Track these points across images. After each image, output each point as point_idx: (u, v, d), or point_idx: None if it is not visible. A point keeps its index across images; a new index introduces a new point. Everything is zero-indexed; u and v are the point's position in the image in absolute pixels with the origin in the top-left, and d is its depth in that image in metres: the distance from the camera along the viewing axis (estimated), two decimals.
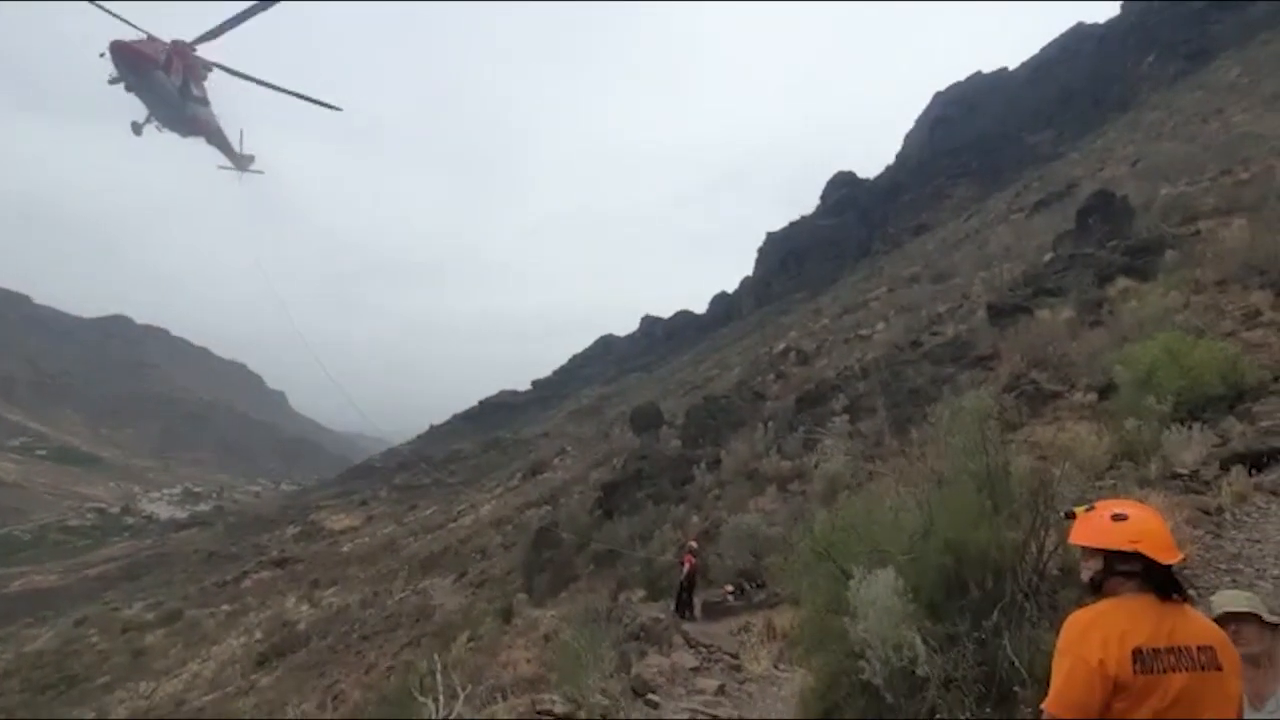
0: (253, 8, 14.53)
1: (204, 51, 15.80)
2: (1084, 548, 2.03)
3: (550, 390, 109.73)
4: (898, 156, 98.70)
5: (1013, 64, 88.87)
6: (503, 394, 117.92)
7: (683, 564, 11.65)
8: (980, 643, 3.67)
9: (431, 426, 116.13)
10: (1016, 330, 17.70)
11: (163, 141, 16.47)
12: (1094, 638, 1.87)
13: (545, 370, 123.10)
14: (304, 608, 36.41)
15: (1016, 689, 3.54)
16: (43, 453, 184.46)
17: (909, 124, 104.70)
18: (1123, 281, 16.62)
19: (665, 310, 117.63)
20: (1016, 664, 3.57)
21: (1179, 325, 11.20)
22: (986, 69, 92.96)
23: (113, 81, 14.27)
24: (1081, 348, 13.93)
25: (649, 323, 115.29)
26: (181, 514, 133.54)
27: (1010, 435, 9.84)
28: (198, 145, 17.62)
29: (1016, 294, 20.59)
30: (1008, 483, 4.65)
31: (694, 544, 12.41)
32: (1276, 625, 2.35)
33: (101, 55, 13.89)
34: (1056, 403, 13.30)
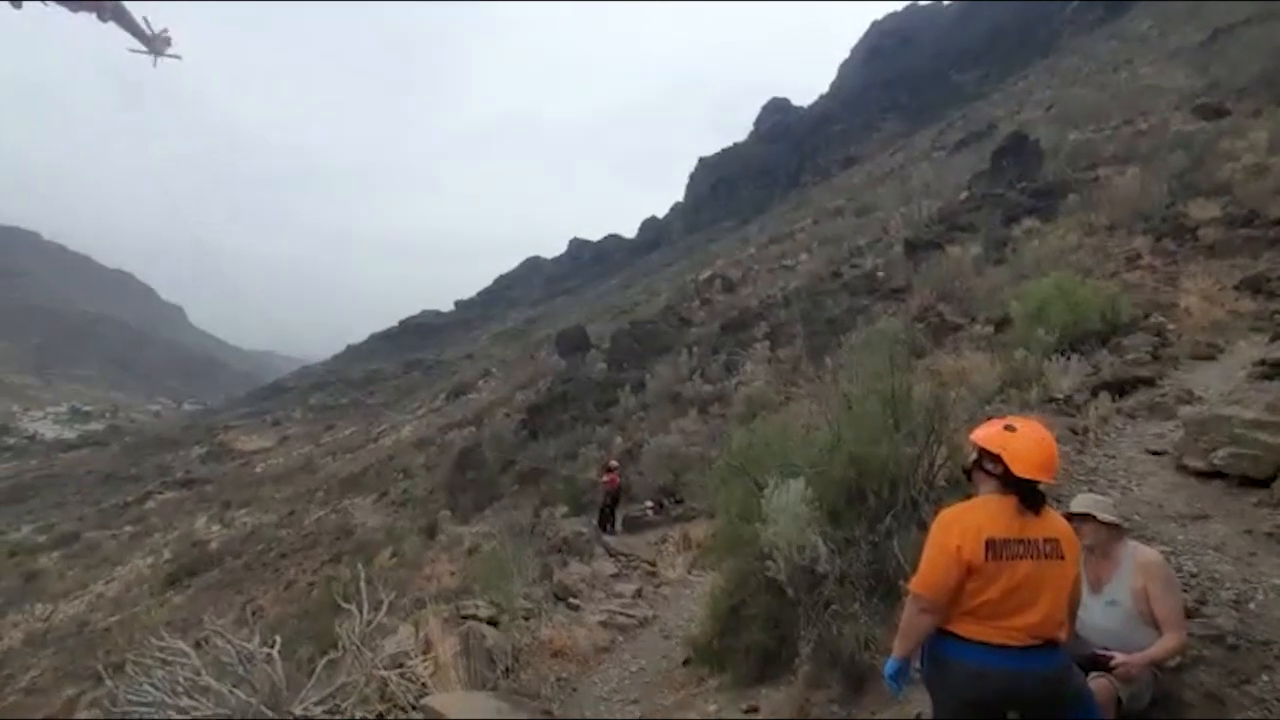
0: None
1: None
2: (973, 440, 2.35)
3: (474, 311, 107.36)
4: (832, 85, 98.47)
5: None
6: (425, 314, 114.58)
7: (606, 481, 12.05)
8: (873, 545, 4.06)
9: (349, 346, 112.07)
10: (929, 265, 18.57)
11: (43, 16, 14.29)
12: (955, 529, 2.18)
13: (469, 291, 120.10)
14: (215, 528, 35.46)
15: (901, 582, 3.96)
16: None
17: (847, 52, 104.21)
18: (1028, 222, 17.59)
19: (594, 233, 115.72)
20: (902, 562, 3.99)
21: (1071, 265, 12.07)
22: (923, 1, 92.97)
23: None
24: (984, 283, 14.81)
25: (577, 245, 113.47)
26: (70, 434, 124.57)
27: (916, 362, 10.54)
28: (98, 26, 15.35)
29: (931, 230, 21.47)
30: (909, 403, 5.01)
31: (614, 462, 12.83)
32: (1111, 524, 2.77)
33: None
34: (958, 334, 14.22)
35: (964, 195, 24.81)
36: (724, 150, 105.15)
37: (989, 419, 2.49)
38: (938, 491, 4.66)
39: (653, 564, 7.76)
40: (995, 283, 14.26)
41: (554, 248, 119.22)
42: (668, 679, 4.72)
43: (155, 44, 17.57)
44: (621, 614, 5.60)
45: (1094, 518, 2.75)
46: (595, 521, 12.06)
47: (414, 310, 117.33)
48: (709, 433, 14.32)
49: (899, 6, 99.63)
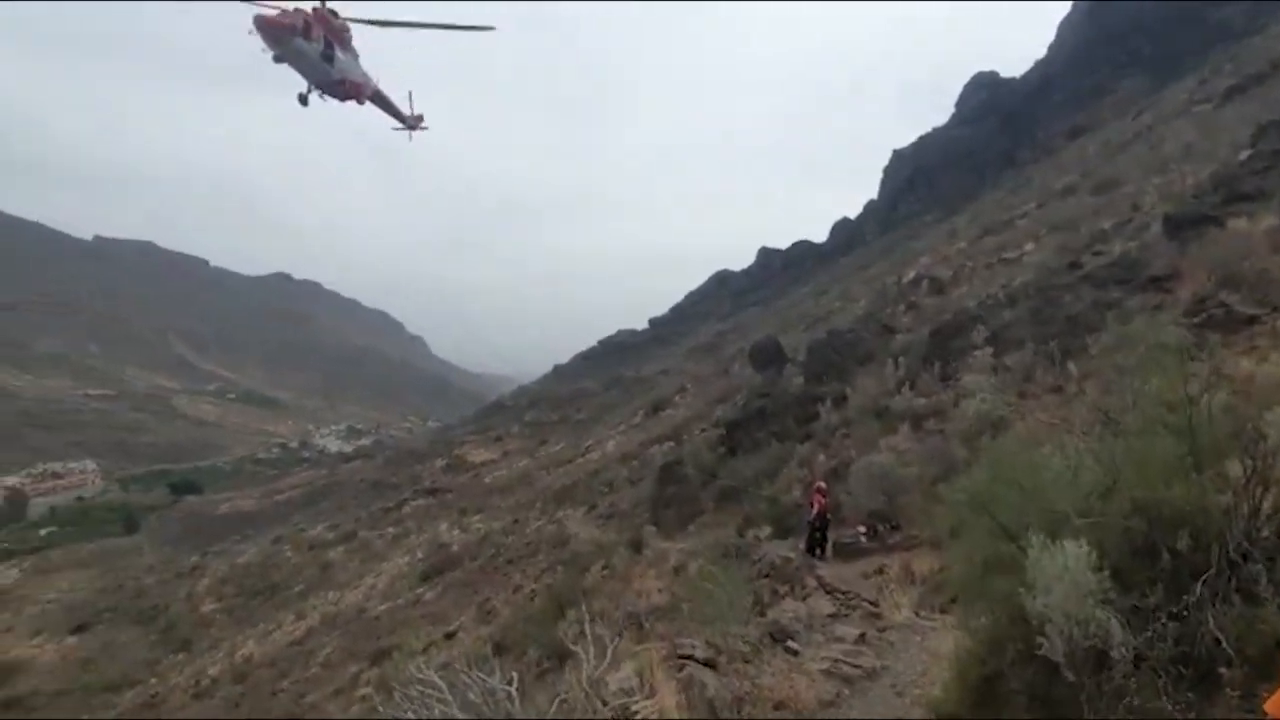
0: None
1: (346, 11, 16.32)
2: None
3: (668, 328, 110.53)
4: (1050, 48, 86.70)
5: None
6: (621, 333, 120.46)
7: (812, 504, 11.45)
8: (1178, 618, 3.26)
9: (556, 367, 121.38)
10: (1201, 245, 15.33)
11: (325, 110, 17.58)
12: None
13: (662, 308, 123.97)
14: (455, 532, 40.16)
15: (1222, 670, 3.13)
16: (233, 396, 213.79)
17: (1064, 8, 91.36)
18: None
19: (782, 241, 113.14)
20: (1223, 643, 3.16)
21: None
22: None
23: (268, 53, 15.18)
24: None
25: (766, 255, 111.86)
26: (347, 447, 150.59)
27: (1195, 367, 8.63)
28: (363, 110, 18.62)
29: (1202, 202, 17.73)
30: (1211, 431, 4.03)
31: (823, 483, 12.14)
32: None
33: (250, 32, 14.81)
34: (1253, 328, 11.53)
35: (1245, 154, 20.14)
36: (920, 138, 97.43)
37: None
38: (1265, 549, 3.65)
39: (875, 603, 7.13)
40: None
41: (743, 259, 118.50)
42: None
43: (411, 121, 20.75)
44: (846, 662, 5.17)
45: None
46: (803, 546, 11.51)
47: (612, 329, 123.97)
48: (925, 451, 13.03)
49: None
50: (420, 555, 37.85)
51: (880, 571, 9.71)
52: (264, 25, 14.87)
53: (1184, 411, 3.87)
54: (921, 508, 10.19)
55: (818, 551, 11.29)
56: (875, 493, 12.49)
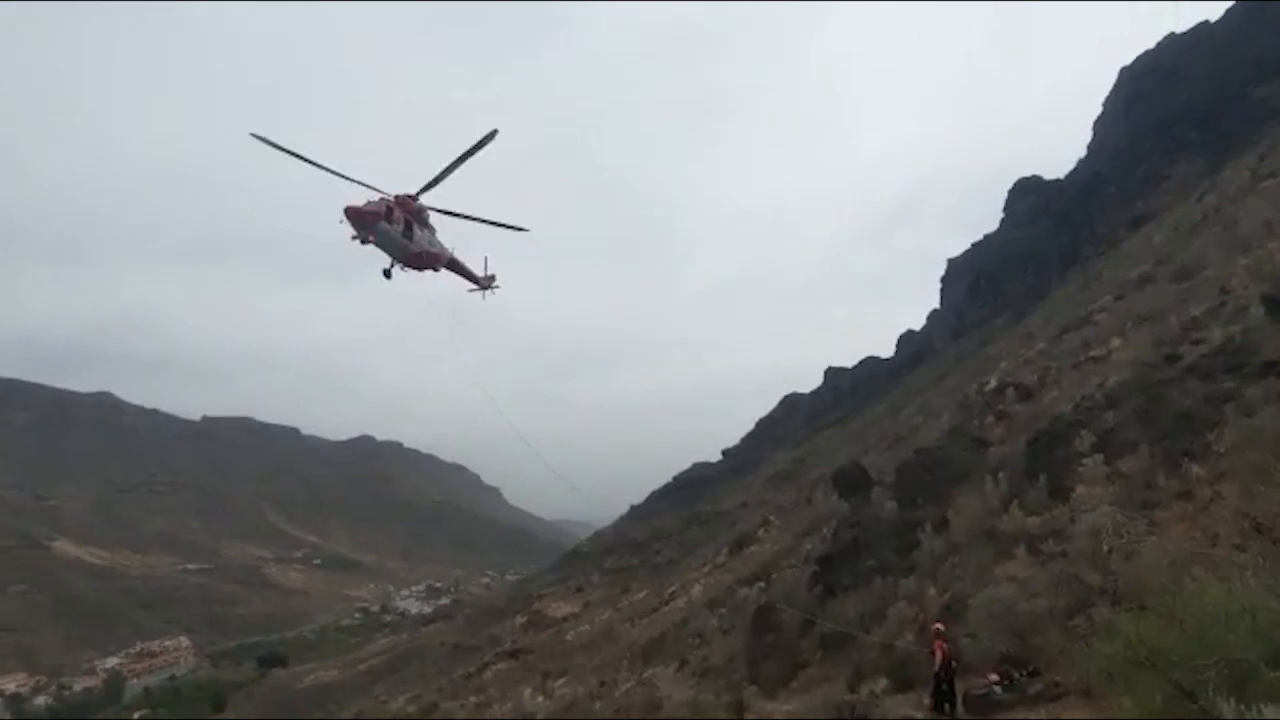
0: (464, 156, 16.44)
1: (426, 198, 18.33)
2: None
3: (742, 458, 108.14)
4: (1090, 146, 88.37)
5: (1214, 15, 76.50)
6: (695, 467, 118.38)
7: (933, 652, 10.26)
8: None
9: (632, 507, 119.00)
10: None
11: (404, 282, 19.35)
12: None
13: (733, 438, 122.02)
14: (540, 699, 37.80)
15: None
16: (318, 561, 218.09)
17: (1095, 109, 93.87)
18: None
19: (848, 360, 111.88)
20: None
21: None
22: (1180, 29, 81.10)
23: (354, 239, 17.04)
24: None
25: (833, 375, 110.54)
26: (427, 608, 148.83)
27: None
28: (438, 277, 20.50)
29: None
30: None
31: (940, 626, 10.92)
32: None
33: (340, 221, 16.75)
34: None
35: None
36: (974, 245, 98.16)
37: None
38: None
39: None
40: None
41: (810, 382, 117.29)
42: None
43: (484, 282, 22.41)
44: None
45: None
46: (929, 701, 10.21)
47: (685, 465, 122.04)
48: (1050, 579, 11.71)
49: (1148, 45, 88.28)
50: None
51: None
52: (353, 214, 16.77)
53: None
54: (1062, 648, 8.99)
55: (946, 707, 9.98)
56: (1002, 632, 11.15)
